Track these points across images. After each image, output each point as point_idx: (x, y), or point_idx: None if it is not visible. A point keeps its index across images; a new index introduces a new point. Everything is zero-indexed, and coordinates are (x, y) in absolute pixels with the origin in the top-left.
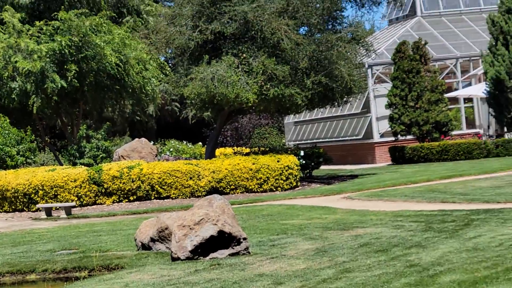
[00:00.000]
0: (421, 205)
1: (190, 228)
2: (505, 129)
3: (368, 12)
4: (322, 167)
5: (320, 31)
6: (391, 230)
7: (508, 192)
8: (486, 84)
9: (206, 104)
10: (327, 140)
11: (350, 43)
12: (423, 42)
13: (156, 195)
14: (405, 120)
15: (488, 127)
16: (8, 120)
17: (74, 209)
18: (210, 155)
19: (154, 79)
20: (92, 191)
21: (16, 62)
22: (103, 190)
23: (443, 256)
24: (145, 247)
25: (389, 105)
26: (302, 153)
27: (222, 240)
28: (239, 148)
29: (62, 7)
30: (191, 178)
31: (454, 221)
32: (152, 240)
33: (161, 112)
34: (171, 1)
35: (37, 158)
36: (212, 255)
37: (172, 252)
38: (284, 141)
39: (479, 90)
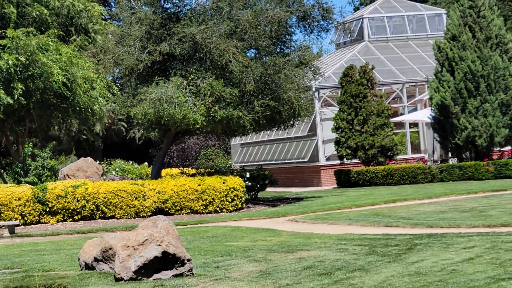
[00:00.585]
0: (365, 228)
1: (134, 249)
2: (450, 155)
3: (316, 38)
4: (268, 189)
5: (269, 54)
6: (335, 253)
7: (451, 217)
8: (431, 109)
9: (153, 124)
10: (273, 162)
11: (298, 67)
12: (370, 67)
13: (101, 215)
14: (351, 144)
15: (433, 152)
16: None
17: (18, 227)
18: (156, 175)
19: (101, 98)
20: (37, 209)
21: None
22: (47, 209)
23: (385, 280)
24: (88, 267)
25: (335, 129)
26: (248, 175)
27: (166, 261)
28: (185, 169)
29: (11, 24)
30: (136, 198)
31: (398, 245)
32: (96, 260)
33: (108, 132)
34: (120, 20)
35: None
36: (155, 276)
37: (115, 272)
38: (230, 162)
39: (424, 115)
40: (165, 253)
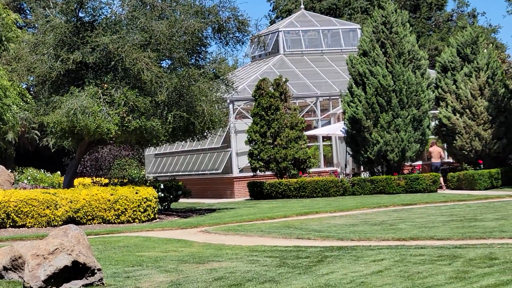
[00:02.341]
0: (277, 240)
1: (44, 258)
2: (362, 168)
3: (232, 50)
4: (181, 200)
5: (184, 65)
6: (246, 264)
7: (362, 230)
8: (344, 123)
9: (66, 133)
10: (187, 173)
11: (213, 80)
12: (283, 80)
13: (11, 223)
14: (264, 156)
15: (346, 165)
16: None
17: None
18: (69, 184)
19: (14, 106)
20: None
21: None
22: None
23: None
24: None
25: (249, 141)
26: (161, 185)
27: (76, 270)
28: (98, 178)
29: None
30: (48, 207)
31: (308, 257)
32: (5, 268)
33: (20, 140)
34: (35, 28)
35: None
36: (65, 285)
37: (24, 281)
38: (144, 173)
39: (337, 129)
40: (75, 262)
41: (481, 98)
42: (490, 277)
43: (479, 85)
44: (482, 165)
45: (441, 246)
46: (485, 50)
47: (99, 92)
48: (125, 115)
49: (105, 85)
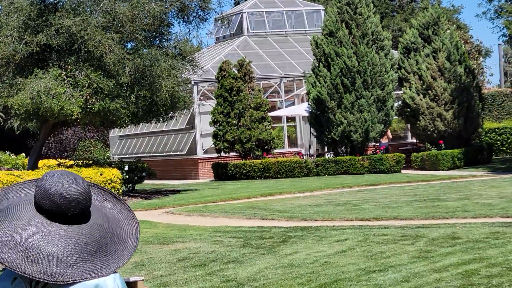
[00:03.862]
0: (241, 221)
1: None
2: (326, 149)
3: (195, 28)
4: (146, 181)
5: (147, 47)
6: (210, 245)
7: (325, 210)
8: (308, 104)
9: (30, 115)
10: (151, 155)
11: (176, 59)
12: (247, 61)
13: None
14: (228, 137)
15: (310, 146)
16: None
17: None
18: (33, 166)
19: None
20: None
21: None
22: None
23: (259, 272)
24: None
25: (213, 122)
26: (126, 167)
27: None
28: (63, 160)
29: None
30: None
31: (272, 237)
32: None
33: None
34: None
35: None
36: None
37: None
38: (108, 154)
39: (301, 109)
40: None
41: (441, 79)
42: (453, 256)
43: (439, 66)
44: (443, 145)
45: (404, 226)
46: (447, 31)
47: (63, 74)
48: (88, 97)
49: (69, 67)
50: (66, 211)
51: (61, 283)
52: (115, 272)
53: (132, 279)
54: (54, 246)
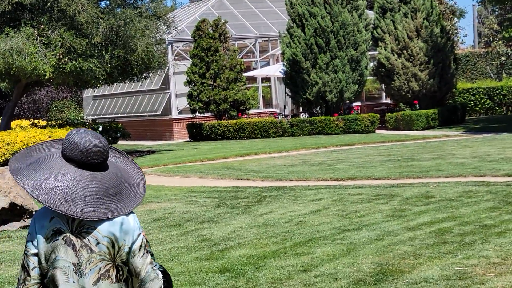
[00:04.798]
0: (216, 181)
1: None
2: (301, 109)
3: None
4: (120, 142)
5: (121, 6)
6: (185, 205)
7: (300, 170)
8: (283, 64)
9: (2, 75)
10: (126, 115)
11: (150, 19)
12: (222, 21)
13: None
14: (203, 98)
15: (285, 107)
16: None
17: None
18: (6, 127)
19: None
20: None
21: None
22: None
23: (234, 231)
24: None
25: (188, 83)
26: (100, 127)
27: (14, 212)
28: (36, 120)
29: None
30: None
31: (247, 197)
32: None
33: None
34: None
35: None
36: (3, 227)
37: None
38: (82, 115)
39: (276, 70)
40: (12, 204)
41: (417, 39)
42: (426, 215)
43: (416, 26)
44: (418, 106)
45: (378, 185)
46: None
47: (35, 33)
48: (61, 56)
49: (42, 26)
50: (92, 160)
51: (92, 219)
52: (132, 212)
53: None
54: (84, 189)
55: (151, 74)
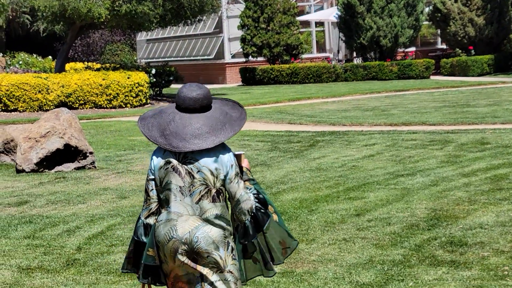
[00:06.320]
0: (269, 125)
1: (36, 141)
2: (354, 54)
3: None
4: (173, 85)
5: None
6: (237, 149)
7: (353, 115)
8: (337, 8)
9: (57, 17)
10: (179, 59)
11: None
12: None
13: (3, 108)
14: (257, 41)
15: (338, 51)
16: None
17: None
18: (60, 69)
19: None
20: None
21: None
22: None
23: (287, 175)
24: None
25: (241, 26)
26: (153, 71)
27: (68, 153)
28: (90, 63)
29: None
30: (39, 91)
31: (300, 142)
32: None
33: (11, 24)
34: None
35: None
36: (57, 168)
37: (17, 164)
38: (135, 58)
39: (330, 14)
40: (67, 145)
41: None
42: (482, 161)
43: None
44: (473, 51)
45: (433, 131)
46: None
47: None
48: None
49: None
50: (189, 104)
51: (181, 151)
52: (230, 150)
53: (236, 152)
54: (180, 127)
55: (204, 17)
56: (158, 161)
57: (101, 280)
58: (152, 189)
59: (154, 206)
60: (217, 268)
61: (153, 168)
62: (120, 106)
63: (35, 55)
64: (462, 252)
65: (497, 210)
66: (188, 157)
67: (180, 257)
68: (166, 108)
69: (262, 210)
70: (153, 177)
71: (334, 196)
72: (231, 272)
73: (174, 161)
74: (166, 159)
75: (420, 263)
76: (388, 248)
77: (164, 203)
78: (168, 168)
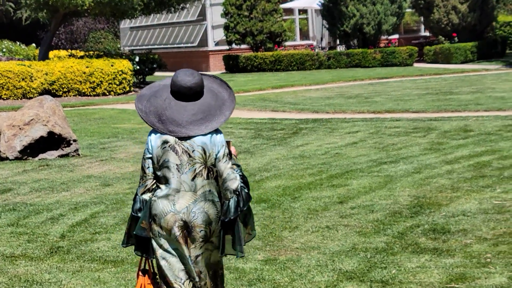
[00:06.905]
0: (252, 113)
1: (20, 128)
2: (338, 42)
3: None
4: (157, 73)
5: None
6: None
7: (337, 103)
8: None
9: (40, 5)
10: (162, 46)
11: None
12: None
13: None
14: (240, 29)
15: (321, 39)
16: None
17: None
18: (44, 57)
19: None
20: None
21: None
22: None
23: (270, 163)
24: None
25: (225, 14)
26: (137, 58)
27: (52, 141)
28: (73, 51)
29: None
30: (23, 79)
31: (283, 129)
32: None
33: None
34: None
35: None
36: (41, 155)
37: (1, 151)
38: (119, 45)
39: (313, 1)
40: (51, 133)
41: None
42: (465, 149)
43: None
44: (456, 39)
45: (416, 118)
46: None
47: None
48: None
49: None
50: (184, 93)
51: (179, 136)
52: (221, 132)
53: (225, 139)
54: (176, 113)
55: (188, 5)
56: (155, 141)
57: (85, 268)
58: (149, 167)
59: (150, 183)
60: (205, 240)
61: (150, 147)
62: (104, 94)
63: (18, 43)
64: (445, 240)
65: (479, 197)
66: (184, 137)
67: (176, 229)
68: (161, 91)
69: (245, 190)
70: (150, 155)
71: (317, 183)
72: (212, 242)
73: (172, 141)
74: (164, 138)
75: (403, 251)
76: (371, 235)
77: (162, 179)
78: (165, 147)
